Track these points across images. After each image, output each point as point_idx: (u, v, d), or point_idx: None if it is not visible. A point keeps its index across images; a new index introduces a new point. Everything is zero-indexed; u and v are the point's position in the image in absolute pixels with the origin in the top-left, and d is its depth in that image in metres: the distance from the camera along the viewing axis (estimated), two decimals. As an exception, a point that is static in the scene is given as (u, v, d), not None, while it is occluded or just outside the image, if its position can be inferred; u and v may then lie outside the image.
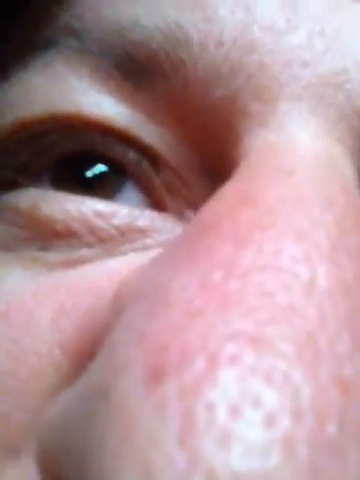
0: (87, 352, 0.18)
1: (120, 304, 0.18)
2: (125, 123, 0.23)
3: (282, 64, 0.21)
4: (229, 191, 0.19)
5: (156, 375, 0.15)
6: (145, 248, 0.22)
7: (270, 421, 0.14)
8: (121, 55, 0.22)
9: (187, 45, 0.22)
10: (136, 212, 0.22)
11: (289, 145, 0.20)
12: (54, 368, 0.19)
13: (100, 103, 0.23)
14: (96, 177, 0.23)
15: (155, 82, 0.22)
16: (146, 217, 0.22)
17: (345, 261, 0.17)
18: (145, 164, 0.23)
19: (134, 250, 0.22)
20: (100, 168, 0.23)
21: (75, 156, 0.23)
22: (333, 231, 0.17)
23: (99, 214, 0.22)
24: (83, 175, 0.23)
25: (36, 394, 0.19)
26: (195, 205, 0.22)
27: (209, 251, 0.17)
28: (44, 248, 0.22)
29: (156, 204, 0.23)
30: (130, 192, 0.23)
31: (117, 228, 0.22)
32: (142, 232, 0.22)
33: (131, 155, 0.23)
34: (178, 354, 0.15)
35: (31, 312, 0.20)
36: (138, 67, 0.22)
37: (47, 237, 0.22)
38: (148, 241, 0.22)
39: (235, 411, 0.14)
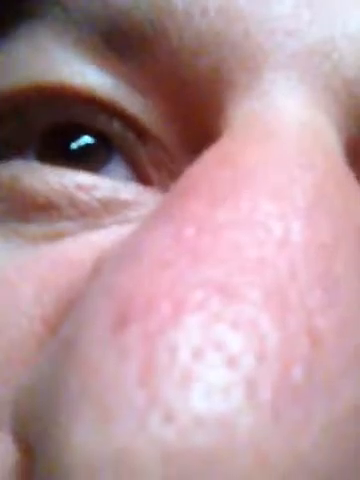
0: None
1: (97, 268, 0.18)
2: (109, 93, 0.22)
3: (267, 33, 0.21)
4: (209, 154, 0.19)
5: (120, 322, 0.14)
6: (128, 221, 0.22)
7: (233, 363, 0.13)
8: (106, 24, 0.22)
9: (171, 13, 0.21)
10: (120, 185, 0.22)
11: (274, 112, 0.20)
12: (34, 340, 0.19)
13: (84, 73, 0.22)
14: (83, 150, 0.23)
15: (140, 52, 0.22)
16: (130, 190, 0.22)
17: (322, 221, 0.17)
18: (130, 136, 0.23)
19: (117, 223, 0.22)
20: (86, 140, 0.23)
21: (61, 128, 0.23)
22: (311, 191, 0.17)
23: (81, 187, 0.22)
24: (69, 148, 0.23)
25: (16, 366, 0.19)
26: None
27: (183, 209, 0.17)
28: (25, 220, 0.22)
29: (141, 177, 0.23)
30: (116, 165, 0.23)
31: (99, 201, 0.22)
32: (125, 205, 0.22)
33: (116, 126, 0.22)
34: (143, 301, 0.14)
35: (13, 286, 0.20)
36: (123, 36, 0.22)
37: (28, 209, 0.22)
38: (131, 214, 0.22)
39: (198, 353, 0.13)
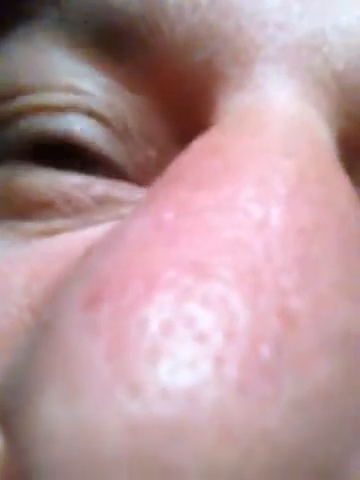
0: None
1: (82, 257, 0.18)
2: (102, 93, 0.22)
3: (258, 26, 0.21)
4: (197, 145, 0.19)
5: (93, 301, 0.14)
6: (120, 217, 0.21)
7: (201, 338, 0.13)
8: (99, 23, 0.22)
9: (163, 8, 0.21)
10: (113, 183, 0.22)
11: (264, 106, 0.20)
12: (24, 330, 0.19)
13: (77, 73, 0.22)
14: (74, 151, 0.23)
15: (133, 49, 0.22)
16: (123, 188, 0.22)
17: (303, 207, 0.17)
18: (121, 136, 0.23)
19: (110, 220, 0.22)
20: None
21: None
22: (293, 178, 0.17)
23: (75, 185, 0.22)
24: (61, 150, 0.23)
25: (3, 355, 0.19)
26: None
27: (165, 195, 0.17)
28: (20, 218, 0.22)
29: (134, 176, 0.23)
30: (107, 165, 0.23)
31: (93, 198, 0.22)
32: (119, 203, 0.22)
33: (101, 142, 0.22)
34: (117, 281, 0.14)
35: (5, 277, 0.20)
36: (116, 34, 0.22)
37: (23, 207, 0.22)
38: (123, 211, 0.22)
39: (166, 329, 0.13)
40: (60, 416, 0.13)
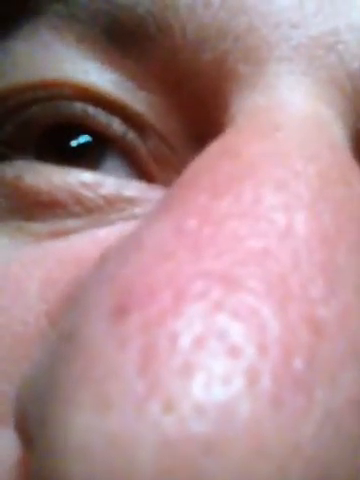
0: None
1: (100, 262, 0.18)
2: (112, 90, 0.22)
3: (272, 25, 0.21)
4: (212, 148, 0.19)
5: (120, 311, 0.14)
6: (133, 217, 0.21)
7: (234, 352, 0.13)
8: (108, 21, 0.22)
9: (174, 8, 0.21)
10: (123, 182, 0.22)
11: (278, 106, 0.20)
12: (39, 336, 0.19)
13: (87, 70, 0.22)
14: (80, 148, 0.23)
15: (143, 47, 0.22)
16: (134, 187, 0.22)
17: (326, 212, 0.16)
18: (131, 134, 0.22)
19: (122, 219, 0.21)
20: (85, 138, 0.23)
21: (58, 127, 0.23)
22: (315, 183, 0.17)
23: (85, 184, 0.22)
24: (66, 146, 0.23)
25: (20, 362, 0.19)
26: None
27: (185, 201, 0.17)
28: (30, 218, 0.22)
29: (143, 174, 0.22)
30: (114, 163, 0.23)
31: (104, 197, 0.21)
32: (130, 202, 0.22)
33: (116, 125, 0.22)
34: (144, 291, 0.14)
35: (19, 282, 0.20)
36: (125, 32, 0.22)
37: (33, 207, 0.22)
38: (136, 210, 0.22)
39: (199, 342, 0.13)
40: (94, 428, 0.13)
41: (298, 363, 0.13)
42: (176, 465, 0.12)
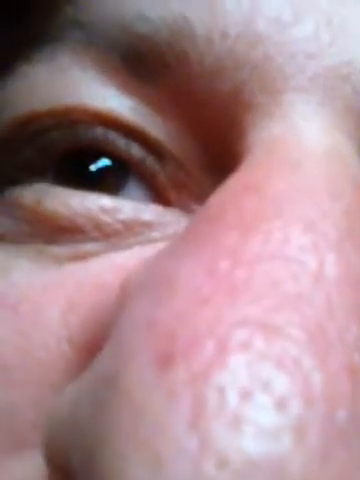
0: (95, 346, 0.18)
1: (126, 295, 0.18)
2: (130, 116, 0.22)
3: (287, 56, 0.21)
4: (234, 181, 0.19)
5: (165, 361, 0.14)
6: (151, 241, 0.22)
7: (281, 405, 0.13)
8: (126, 48, 0.22)
9: (192, 38, 0.21)
10: (141, 207, 0.22)
11: (296, 137, 0.20)
12: (63, 362, 0.19)
13: (104, 96, 0.23)
14: (99, 173, 0.23)
15: (160, 75, 0.22)
16: (151, 211, 0.22)
17: (353, 252, 0.17)
18: (149, 159, 0.23)
19: (140, 243, 0.22)
20: (104, 162, 0.23)
21: (77, 152, 0.23)
22: (342, 222, 0.17)
23: (104, 209, 0.22)
24: (86, 171, 0.23)
25: (44, 388, 0.19)
26: (201, 199, 0.22)
27: (214, 239, 0.17)
28: (49, 242, 0.22)
29: (160, 199, 0.23)
30: (133, 187, 0.23)
31: (122, 222, 0.22)
32: (148, 226, 0.22)
33: (135, 150, 0.23)
34: (186, 340, 0.15)
35: (40, 306, 0.20)
36: (143, 60, 0.22)
37: (52, 232, 0.22)
38: (154, 234, 0.22)
39: (246, 395, 0.14)
40: None
41: (342, 415, 0.14)
42: None
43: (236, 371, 0.14)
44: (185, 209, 0.22)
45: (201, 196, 0.22)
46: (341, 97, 0.21)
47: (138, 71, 0.22)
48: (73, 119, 0.22)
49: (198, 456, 0.13)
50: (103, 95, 0.22)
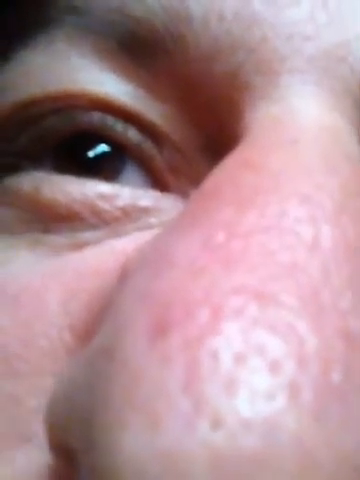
0: (97, 333, 0.18)
1: (125, 275, 0.18)
2: (127, 100, 0.23)
3: (284, 37, 0.21)
4: (231, 160, 0.19)
5: (160, 329, 0.15)
6: (149, 227, 0.22)
7: (275, 367, 0.14)
8: (123, 32, 0.22)
9: (188, 20, 0.22)
10: (139, 192, 0.22)
11: (292, 117, 0.20)
12: (65, 350, 0.19)
13: (102, 81, 0.23)
14: (97, 159, 0.23)
15: (157, 59, 0.22)
16: (149, 197, 0.22)
17: (349, 223, 0.17)
18: (147, 143, 0.23)
19: (138, 229, 0.22)
20: (102, 148, 0.23)
21: (75, 138, 0.23)
22: (337, 195, 0.17)
23: (102, 196, 0.22)
24: (84, 157, 0.23)
25: (46, 377, 0.19)
26: (198, 183, 0.22)
27: (211, 214, 0.17)
28: (48, 230, 0.22)
29: (159, 184, 0.23)
30: (132, 173, 0.23)
31: (121, 209, 0.22)
32: (146, 211, 0.22)
33: (131, 134, 0.23)
34: (182, 308, 0.15)
35: (40, 295, 0.20)
36: (140, 44, 0.22)
37: (50, 220, 0.22)
38: (152, 220, 0.22)
39: (240, 358, 0.14)
40: (145, 448, 0.13)
41: (336, 376, 0.14)
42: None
43: (230, 336, 0.14)
44: (183, 194, 0.22)
45: (199, 180, 0.22)
46: (338, 78, 0.21)
47: (135, 55, 0.22)
48: (71, 104, 0.23)
49: (192, 417, 0.13)
50: (100, 80, 0.23)
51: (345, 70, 0.21)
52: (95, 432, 0.14)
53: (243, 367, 0.14)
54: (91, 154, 0.23)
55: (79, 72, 0.23)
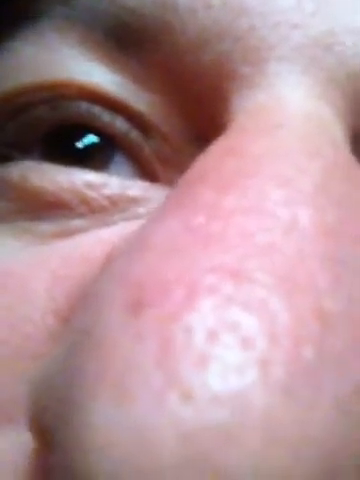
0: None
1: (109, 261, 0.18)
2: (115, 90, 0.23)
3: (271, 26, 0.21)
4: (215, 147, 0.19)
5: (134, 307, 0.15)
6: (137, 217, 0.22)
7: (246, 343, 0.14)
8: (111, 22, 0.22)
9: (175, 9, 0.22)
10: (127, 182, 0.22)
11: (278, 104, 0.20)
12: (48, 334, 0.19)
13: (90, 71, 0.23)
14: (86, 149, 0.23)
15: (144, 48, 0.22)
16: (137, 187, 0.22)
17: (329, 207, 0.17)
18: (134, 133, 0.23)
19: (126, 219, 0.22)
20: (90, 139, 0.23)
21: (64, 128, 0.23)
22: (318, 178, 0.18)
23: (90, 185, 0.22)
24: (72, 147, 0.23)
25: (29, 361, 0.19)
26: None
27: (192, 198, 0.17)
28: (35, 219, 0.22)
29: (147, 174, 0.23)
30: (120, 163, 0.23)
31: (108, 198, 0.22)
32: (134, 201, 0.22)
33: (119, 124, 0.23)
34: (157, 286, 0.15)
35: (26, 281, 0.20)
36: (128, 33, 0.22)
37: (38, 208, 0.22)
38: (140, 210, 0.22)
39: (212, 335, 0.14)
40: (115, 422, 0.13)
41: (308, 353, 0.14)
42: (196, 454, 0.13)
43: (203, 313, 0.14)
44: (171, 184, 0.22)
45: (186, 169, 0.22)
46: (324, 67, 0.21)
47: (123, 45, 0.22)
48: (59, 94, 0.23)
49: (162, 391, 0.13)
50: (88, 70, 0.23)
51: (331, 59, 0.21)
52: (67, 407, 0.14)
53: (215, 343, 0.14)
54: (80, 145, 0.23)
55: (67, 62, 0.23)
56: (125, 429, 0.13)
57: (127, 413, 0.13)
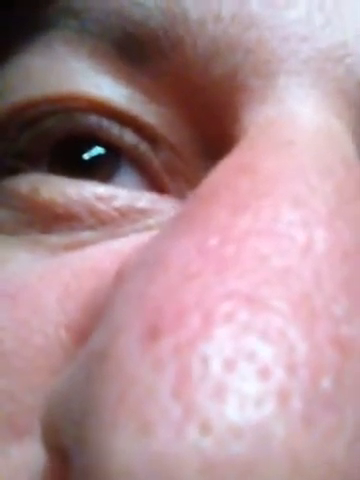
0: (92, 331, 0.18)
1: (121, 277, 0.18)
2: (124, 103, 0.23)
3: (281, 39, 0.21)
4: (227, 163, 0.19)
5: (152, 334, 0.15)
6: (146, 229, 0.22)
7: (264, 374, 0.14)
8: (120, 35, 0.22)
9: (185, 22, 0.22)
10: (136, 194, 0.22)
11: (289, 119, 0.20)
12: (60, 348, 0.19)
13: (99, 84, 0.23)
14: (92, 161, 0.23)
15: (154, 61, 0.22)
16: (146, 199, 0.22)
17: (343, 228, 0.17)
18: (143, 145, 0.23)
19: (135, 231, 0.22)
20: (97, 150, 0.23)
21: (71, 140, 0.23)
22: (332, 198, 0.17)
23: (99, 197, 0.22)
24: (78, 159, 0.23)
25: (42, 373, 0.19)
26: (196, 185, 0.22)
27: (206, 218, 0.17)
28: (46, 231, 0.22)
29: (156, 186, 0.23)
30: (127, 175, 0.23)
31: (118, 210, 0.22)
32: (143, 213, 0.22)
33: (128, 136, 0.23)
34: (173, 313, 0.15)
35: (37, 294, 0.21)
36: (137, 47, 0.22)
37: (48, 220, 0.22)
38: (149, 222, 0.22)
39: (230, 365, 0.14)
40: (136, 451, 0.13)
41: (326, 382, 0.14)
42: None
43: (220, 342, 0.14)
44: (180, 196, 0.23)
45: (196, 182, 0.22)
46: (334, 79, 0.21)
47: (133, 58, 0.22)
48: (68, 106, 0.23)
49: (182, 422, 0.13)
50: (98, 83, 0.23)
51: (340, 71, 0.21)
52: (88, 433, 0.14)
53: (232, 373, 0.14)
54: (86, 156, 0.23)
55: (76, 75, 0.23)
56: (145, 458, 0.13)
57: (147, 442, 0.13)
